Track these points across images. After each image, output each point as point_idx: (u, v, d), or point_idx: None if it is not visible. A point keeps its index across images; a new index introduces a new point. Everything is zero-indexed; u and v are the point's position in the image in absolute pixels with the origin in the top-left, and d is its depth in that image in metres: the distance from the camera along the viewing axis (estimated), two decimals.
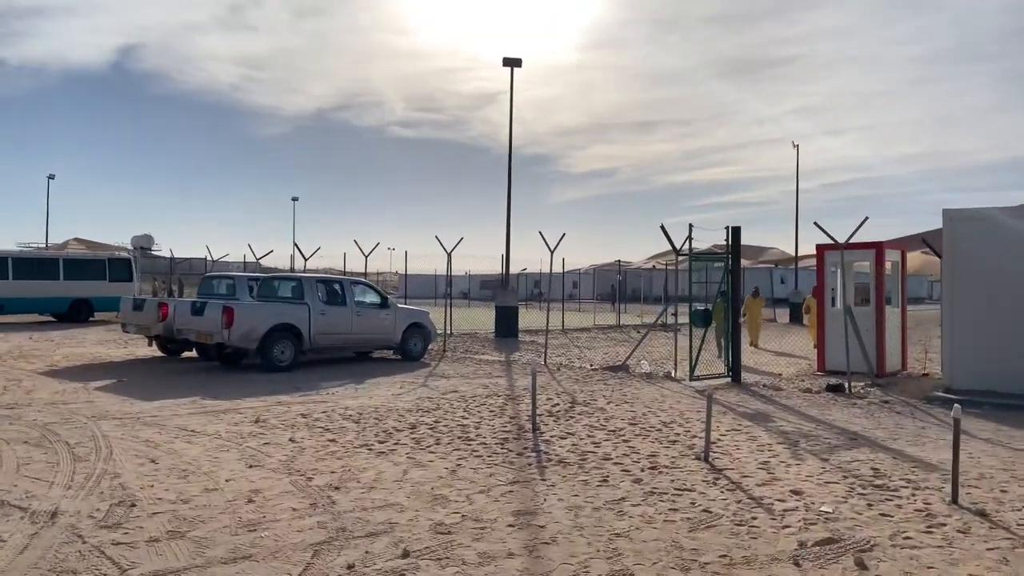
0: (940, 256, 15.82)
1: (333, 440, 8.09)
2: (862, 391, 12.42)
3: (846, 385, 12.44)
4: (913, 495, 6.23)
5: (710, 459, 7.40)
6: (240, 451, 7.54)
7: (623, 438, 8.44)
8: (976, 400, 11.13)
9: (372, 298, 16.34)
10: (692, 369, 13.29)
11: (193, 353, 16.24)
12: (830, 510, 5.76)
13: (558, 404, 10.73)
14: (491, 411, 10.09)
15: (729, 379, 13.57)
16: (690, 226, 13.12)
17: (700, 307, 13.38)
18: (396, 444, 7.96)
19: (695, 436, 8.62)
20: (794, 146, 40.83)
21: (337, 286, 15.66)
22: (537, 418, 9.00)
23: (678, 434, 8.75)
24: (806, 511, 5.75)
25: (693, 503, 5.95)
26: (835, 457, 7.66)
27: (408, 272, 55.93)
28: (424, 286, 64.29)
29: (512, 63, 25.27)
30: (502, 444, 8.00)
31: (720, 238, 14.14)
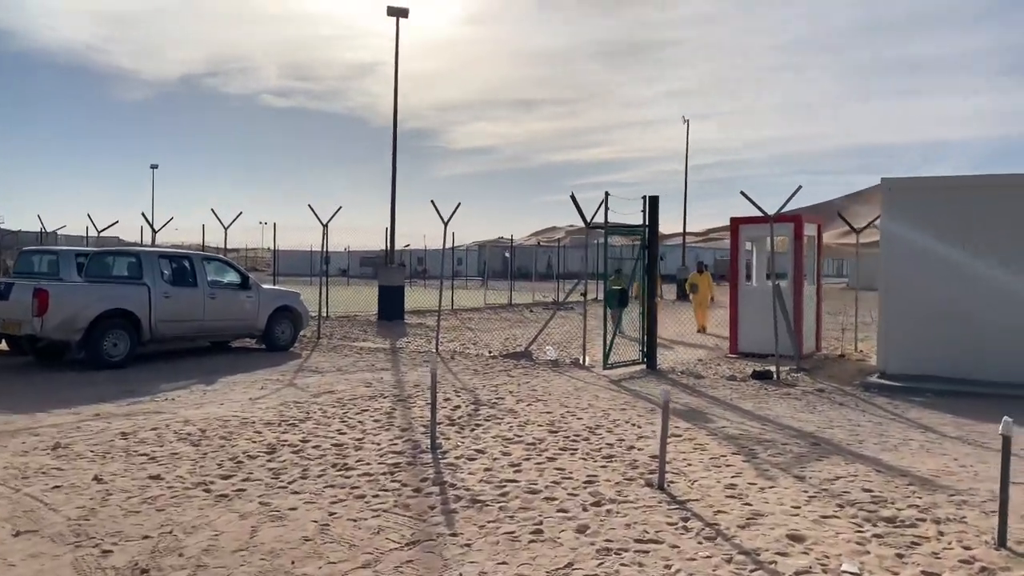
0: (854, 229, 15.00)
1: (158, 477, 5.89)
2: (790, 378, 11.23)
3: (774, 371, 11.21)
4: (941, 534, 4.77)
5: (665, 485, 5.74)
6: (12, 503, 5.24)
7: (547, 455, 6.67)
8: (915, 387, 10.13)
9: (230, 277, 13.85)
10: (606, 356, 11.72)
11: (3, 345, 13.27)
12: (856, 571, 4.18)
13: (459, 407, 8.87)
14: (376, 420, 8.09)
15: (644, 366, 12.11)
16: (606, 194, 11.50)
17: (617, 287, 11.80)
18: (246, 480, 5.85)
19: (632, 448, 6.97)
20: (684, 121, 40.41)
21: (186, 263, 13.09)
22: (436, 428, 7.09)
23: (611, 445, 7.07)
24: (825, 574, 4.15)
25: (669, 567, 4.24)
26: (809, 472, 6.18)
27: (280, 248, 52.35)
28: (299, 263, 60.53)
29: (397, 13, 22.90)
30: (392, 474, 6.05)
31: (626, 214, 12.59)
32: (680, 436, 7.46)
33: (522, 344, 15.39)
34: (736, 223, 14.33)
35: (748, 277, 15.08)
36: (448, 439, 7.22)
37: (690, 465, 6.41)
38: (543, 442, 7.16)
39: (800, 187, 10.92)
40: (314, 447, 6.88)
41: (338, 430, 7.58)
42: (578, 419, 8.25)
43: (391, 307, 20.42)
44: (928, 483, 5.92)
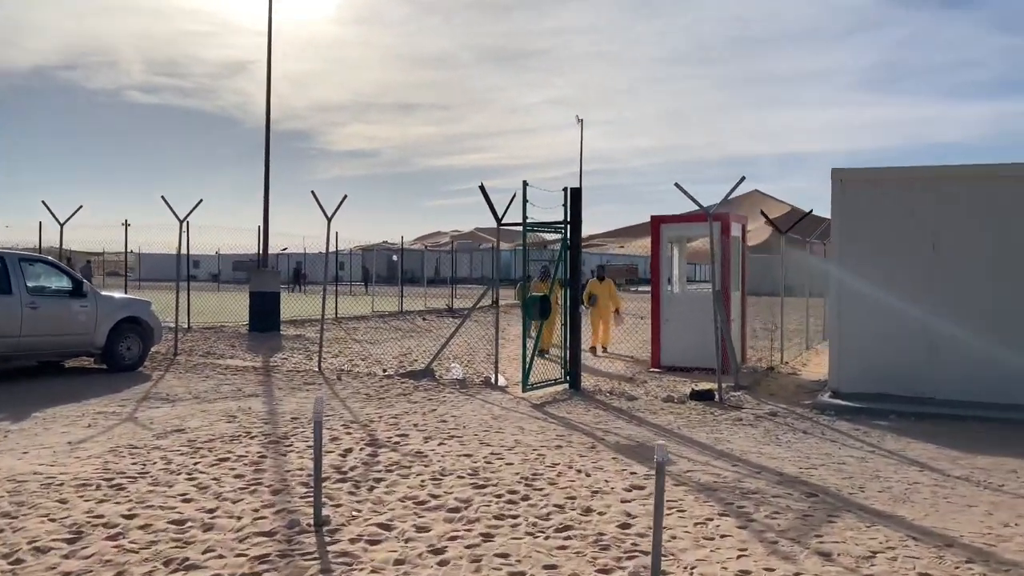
0: (780, 231, 13.97)
1: None
2: (732, 398, 9.86)
3: (714, 391, 9.81)
4: None
5: None
6: None
7: (480, 529, 4.83)
8: (874, 408, 8.96)
9: (58, 282, 11.21)
10: (526, 376, 9.97)
11: None
12: None
13: (351, 450, 6.88)
14: (238, 475, 5.99)
15: (567, 385, 10.46)
16: (524, 184, 9.76)
17: (536, 293, 10.08)
18: None
19: (590, 511, 5.24)
20: (578, 120, 39.48)
21: None
22: (321, 488, 5.07)
23: (561, 507, 5.31)
24: None
25: None
26: (830, 543, 4.65)
27: (145, 252, 47.92)
28: (166, 267, 55.68)
29: None
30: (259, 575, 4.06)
31: (544, 209, 10.90)
32: (643, 488, 5.79)
33: (420, 360, 13.45)
34: (657, 222, 12.97)
35: (669, 282, 13.76)
36: (339, 505, 5.25)
37: (675, 538, 4.73)
38: (470, 505, 5.31)
39: (743, 178, 9.59)
40: (142, 527, 4.75)
41: (182, 494, 5.45)
42: (507, 464, 6.44)
43: (265, 317, 17.95)
44: (988, 557, 4.49)
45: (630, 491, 5.72)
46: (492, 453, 6.83)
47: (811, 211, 14.05)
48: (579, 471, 6.26)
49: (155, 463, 6.35)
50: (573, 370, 10.39)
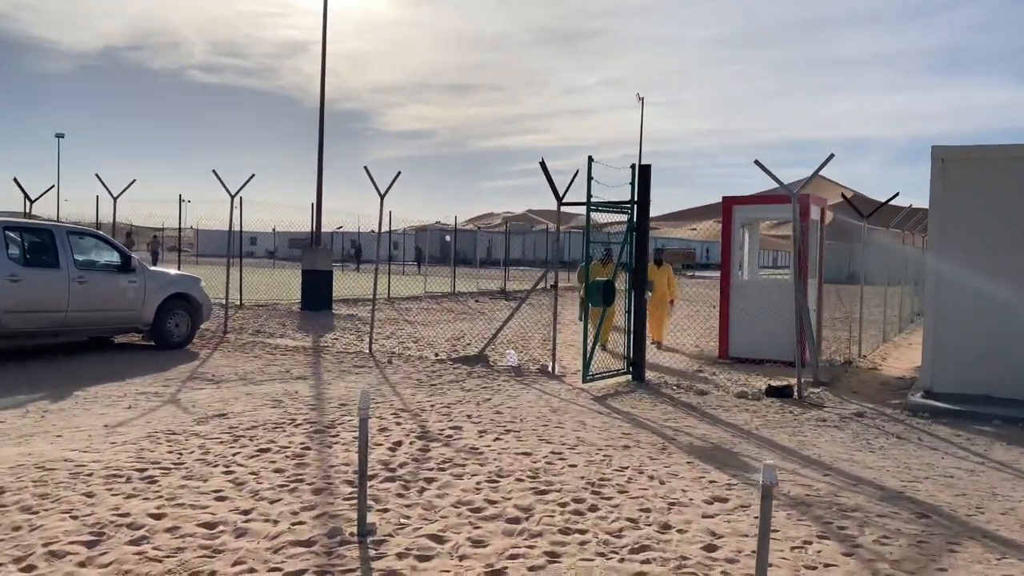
0: (862, 214, 13.00)
1: None
2: (811, 395, 9.06)
3: (792, 386, 9.03)
4: None
5: None
6: None
7: (544, 547, 4.23)
8: (974, 411, 8.07)
9: (107, 256, 10.96)
10: (586, 366, 9.33)
11: None
12: None
13: (400, 443, 6.35)
14: (278, 470, 5.50)
15: (630, 376, 9.79)
16: (589, 160, 9.05)
17: (599, 278, 9.39)
18: None
19: (668, 527, 4.60)
20: (639, 99, 38.26)
21: (45, 237, 10.15)
22: (368, 488, 4.53)
23: (634, 521, 4.68)
24: None
25: None
26: None
27: (202, 228, 48.53)
28: (223, 243, 56.37)
29: None
30: None
31: (607, 186, 10.16)
32: (726, 501, 5.12)
33: (474, 344, 12.92)
34: (730, 203, 12.12)
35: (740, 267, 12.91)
36: (386, 510, 4.71)
37: (771, 565, 4.06)
38: (531, 515, 4.72)
39: (832, 155, 8.72)
40: (170, 529, 4.28)
41: (217, 491, 4.97)
42: (571, 466, 5.83)
43: (317, 295, 17.64)
44: None
45: (711, 503, 5.06)
46: (553, 452, 6.23)
47: (897, 194, 13.04)
48: (651, 477, 5.61)
49: (192, 452, 5.91)
50: (637, 360, 9.71)
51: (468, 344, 12.99)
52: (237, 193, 13.84)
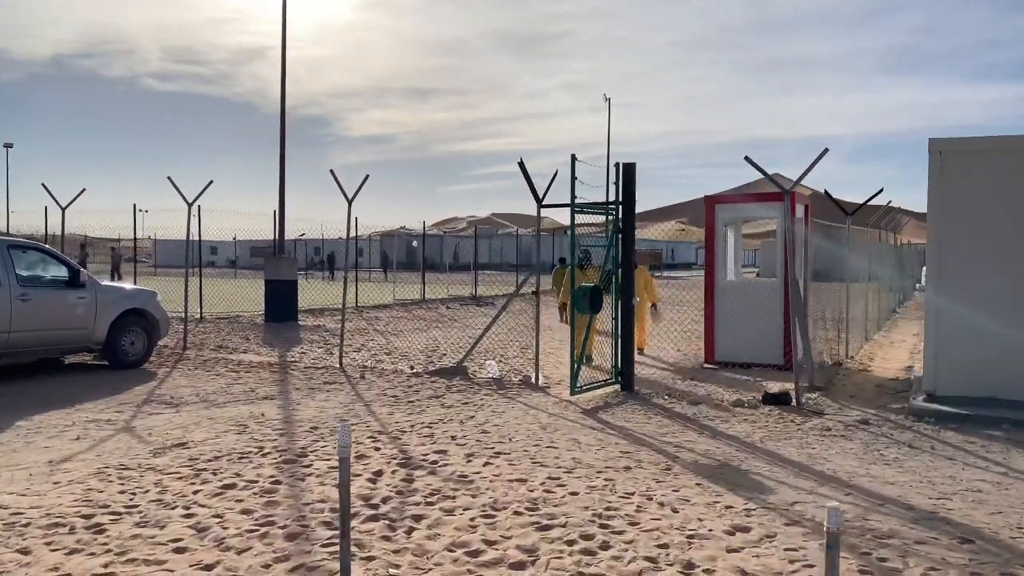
0: (846, 212, 12.70)
1: None
2: (810, 402, 8.64)
3: (790, 393, 8.60)
4: None
5: None
6: None
7: None
8: (981, 415, 7.72)
9: (53, 271, 10.17)
10: (574, 378, 8.81)
11: None
12: None
13: (381, 472, 5.75)
14: (246, 510, 4.88)
15: (618, 387, 9.29)
16: (573, 158, 8.54)
17: (587, 283, 8.86)
18: None
19: (692, 566, 4.08)
20: (605, 99, 37.89)
21: None
22: (350, 526, 3.92)
23: (654, 561, 4.16)
24: None
25: None
26: None
27: (159, 237, 47.12)
28: (182, 254, 54.83)
29: None
30: None
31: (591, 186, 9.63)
32: (748, 530, 4.62)
33: (449, 354, 12.34)
34: (712, 202, 11.71)
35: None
36: (371, 558, 4.13)
37: None
38: (537, 557, 4.17)
39: (827, 150, 8.33)
40: None
41: (175, 540, 4.34)
42: (572, 494, 5.29)
43: (281, 306, 16.90)
44: None
45: (732, 534, 4.56)
46: (550, 477, 5.69)
47: (881, 190, 12.73)
48: (661, 504, 5.10)
49: (147, 491, 5.26)
50: (626, 369, 9.21)
51: (444, 354, 12.40)
52: (195, 201, 13.09)
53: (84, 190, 14.35)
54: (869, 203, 13.48)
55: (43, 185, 14.11)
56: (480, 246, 54.61)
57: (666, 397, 8.93)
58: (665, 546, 4.35)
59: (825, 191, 12.95)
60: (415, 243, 43.18)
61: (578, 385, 8.80)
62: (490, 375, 10.06)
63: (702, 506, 5.07)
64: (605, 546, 4.35)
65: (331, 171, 11.26)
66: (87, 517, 4.73)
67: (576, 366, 8.80)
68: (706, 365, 11.53)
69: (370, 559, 4.11)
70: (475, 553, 4.23)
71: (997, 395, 8.01)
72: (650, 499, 5.20)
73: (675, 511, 4.96)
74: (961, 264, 8.14)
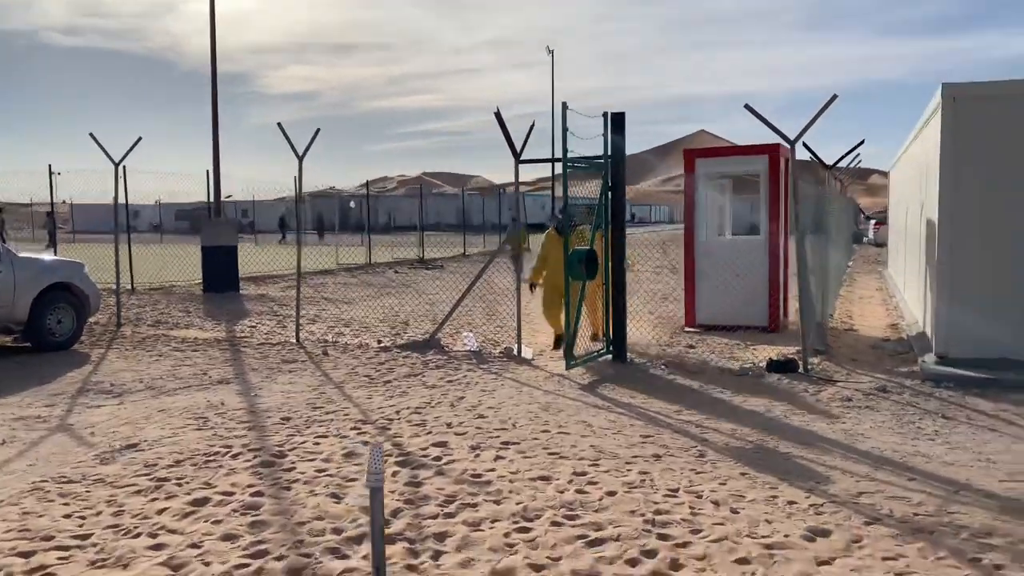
0: (824, 165, 12.25)
1: None
2: (817, 369, 8.13)
3: (796, 359, 8.08)
4: None
5: None
6: None
7: None
8: (1003, 379, 7.32)
9: None
10: (569, 350, 8.07)
11: None
12: None
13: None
14: (228, 535, 3.99)
15: (610, 357, 8.62)
16: (564, 106, 7.67)
17: (582, 247, 8.06)
18: None
19: None
20: (549, 52, 36.73)
21: None
22: (360, 555, 3.05)
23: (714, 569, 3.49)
24: None
25: None
26: None
27: (77, 202, 44.22)
28: (100, 219, 51.67)
29: None
30: None
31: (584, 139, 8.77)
32: (828, 534, 3.99)
33: (412, 323, 11.48)
34: (692, 155, 11.04)
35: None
36: None
37: None
38: None
39: (835, 96, 7.72)
40: None
41: None
42: (608, 493, 4.56)
43: (221, 275, 15.62)
44: None
45: (812, 540, 3.92)
46: (575, 472, 4.96)
47: (862, 141, 12.31)
48: (715, 503, 4.43)
49: (99, 513, 4.31)
50: (619, 337, 8.54)
51: (407, 323, 11.52)
52: (121, 161, 11.73)
53: None
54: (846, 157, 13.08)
55: None
56: (415, 207, 53.22)
57: (663, 367, 8.30)
58: (746, 561, 3.68)
59: (804, 143, 12.41)
60: (352, 204, 41.62)
61: (573, 359, 8.06)
62: (468, 347, 9.26)
63: (761, 503, 4.43)
64: (675, 565, 3.65)
65: (279, 125, 10.15)
66: (26, 556, 3.78)
67: (572, 339, 8.05)
68: (687, 329, 10.96)
69: None
70: None
71: (1010, 355, 7.63)
72: (699, 496, 4.52)
73: (734, 512, 4.30)
74: (979, 220, 7.68)
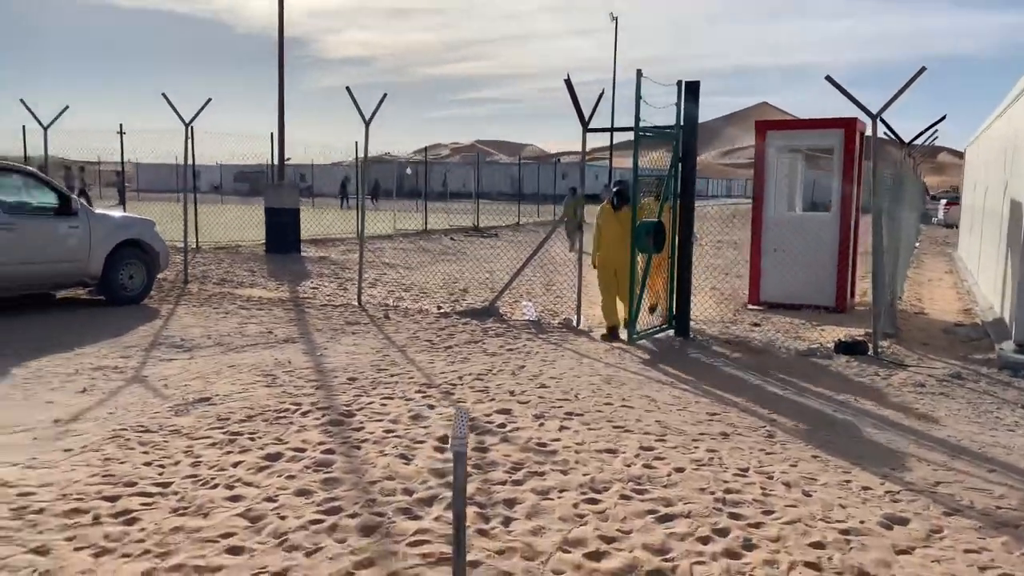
0: (903, 142, 11.80)
1: None
2: (888, 352, 7.91)
3: (866, 342, 7.87)
4: None
5: None
6: None
7: None
8: None
9: (40, 198, 9.13)
10: (633, 323, 8.00)
11: None
12: None
13: (447, 440, 4.95)
14: (302, 490, 4.07)
15: (672, 332, 8.52)
16: (639, 74, 7.52)
17: (649, 219, 7.93)
18: None
19: None
20: (612, 18, 36.04)
21: None
22: (433, 516, 3.10)
23: (817, 568, 3.42)
24: None
25: None
26: None
27: (141, 161, 45.44)
28: (163, 179, 53.05)
29: None
30: None
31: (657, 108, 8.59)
32: (906, 522, 3.89)
33: (471, 290, 11.52)
34: (764, 127, 10.75)
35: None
36: (474, 563, 3.35)
37: None
38: (672, 560, 3.42)
39: (924, 68, 7.40)
40: None
41: (226, 535, 3.54)
42: (676, 470, 4.52)
43: (284, 237, 15.89)
44: None
45: (890, 528, 3.82)
46: (642, 447, 4.92)
47: (944, 117, 11.83)
48: (787, 484, 4.35)
49: (177, 462, 4.44)
50: (683, 312, 8.42)
51: (465, 291, 11.57)
52: (191, 121, 11.94)
53: (67, 107, 13.12)
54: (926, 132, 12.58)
55: (22, 101, 12.88)
56: (469, 175, 53.22)
57: (726, 344, 8.18)
58: (821, 546, 3.61)
59: (881, 118, 11.96)
60: (409, 171, 41.81)
61: (637, 332, 7.99)
62: (527, 316, 9.25)
63: (835, 487, 4.33)
64: (749, 546, 3.60)
65: (347, 89, 10.19)
66: (112, 500, 3.91)
67: (636, 311, 7.97)
68: (750, 306, 10.77)
69: (474, 564, 3.33)
70: (596, 556, 3.47)
71: None
72: (771, 478, 4.45)
73: (806, 494, 4.21)
74: None
